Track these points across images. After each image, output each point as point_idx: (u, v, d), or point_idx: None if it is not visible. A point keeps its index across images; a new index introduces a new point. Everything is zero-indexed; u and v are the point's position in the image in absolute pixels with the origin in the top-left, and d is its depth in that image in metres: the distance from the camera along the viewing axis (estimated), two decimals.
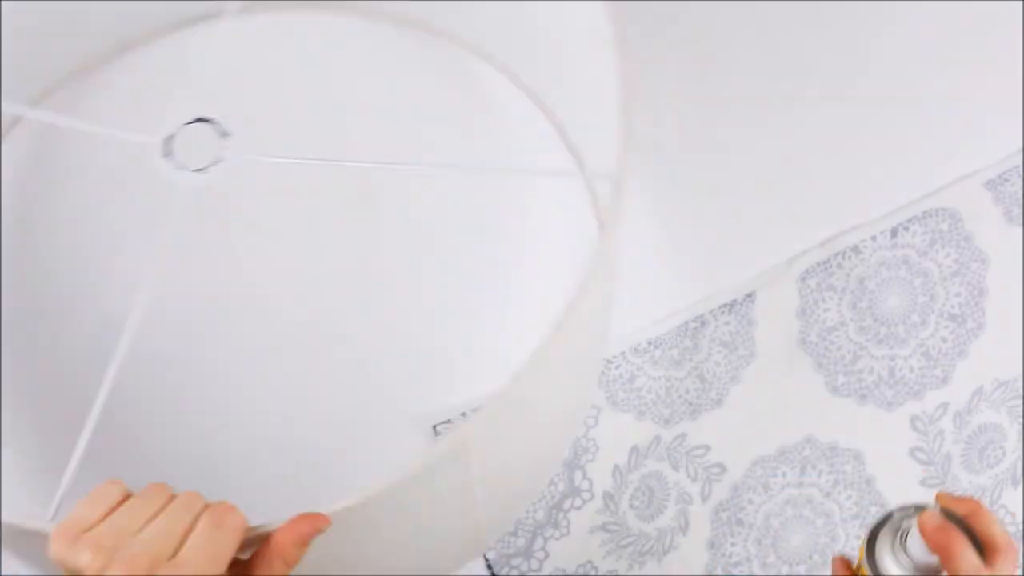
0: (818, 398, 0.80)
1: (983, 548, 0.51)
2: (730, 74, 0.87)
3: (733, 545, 0.79)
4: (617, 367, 0.79)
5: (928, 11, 0.88)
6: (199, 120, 0.65)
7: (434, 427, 0.78)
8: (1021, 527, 0.79)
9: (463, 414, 0.78)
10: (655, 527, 0.78)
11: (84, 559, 0.44)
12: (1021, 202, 0.84)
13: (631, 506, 0.78)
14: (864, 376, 0.81)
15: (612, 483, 0.78)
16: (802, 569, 0.79)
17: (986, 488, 0.80)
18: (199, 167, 0.64)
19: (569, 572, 0.77)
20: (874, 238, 0.82)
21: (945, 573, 0.52)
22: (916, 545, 0.52)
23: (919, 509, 0.54)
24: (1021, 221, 0.83)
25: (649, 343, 0.80)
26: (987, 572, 0.50)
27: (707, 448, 0.79)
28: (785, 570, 0.79)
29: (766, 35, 0.88)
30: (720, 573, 0.78)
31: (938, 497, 0.54)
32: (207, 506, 0.48)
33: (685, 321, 0.81)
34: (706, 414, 0.80)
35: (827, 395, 0.80)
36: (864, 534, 0.55)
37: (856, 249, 0.82)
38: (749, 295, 0.81)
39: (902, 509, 0.55)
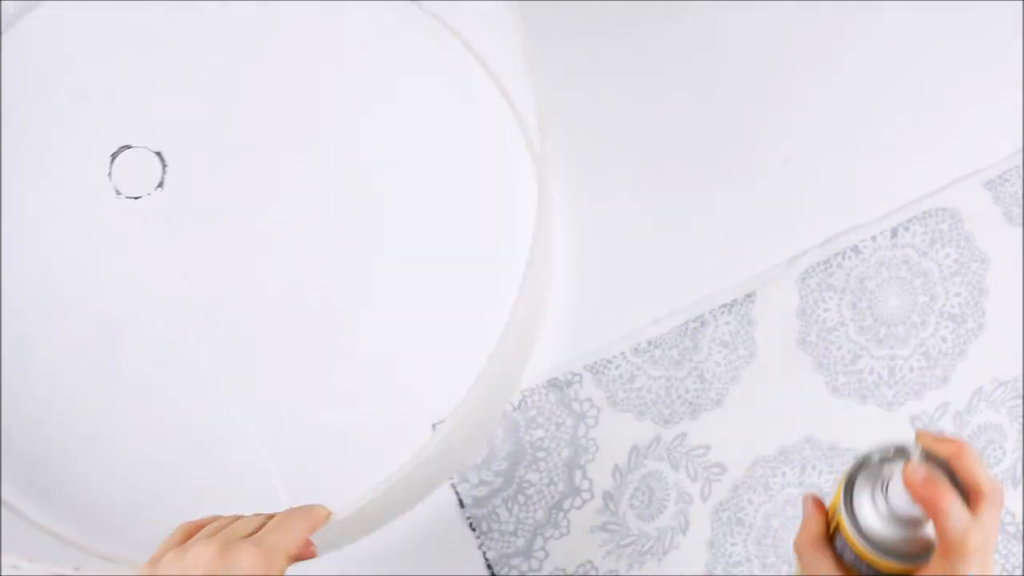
0: (818, 398, 0.80)
1: (966, 492, 0.48)
2: (729, 74, 0.87)
3: (733, 545, 0.79)
4: (617, 367, 0.79)
5: (928, 11, 0.88)
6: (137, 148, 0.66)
7: (433, 426, 0.78)
8: (1021, 527, 0.79)
9: None
10: (655, 527, 0.78)
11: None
12: (1021, 202, 0.84)
13: (631, 506, 0.78)
14: (864, 376, 0.81)
15: (612, 483, 0.78)
16: None
17: None
18: (136, 196, 0.65)
19: (569, 572, 0.77)
20: (874, 238, 0.82)
21: (930, 523, 0.48)
22: (899, 495, 0.48)
23: (900, 451, 0.50)
24: (1021, 221, 0.83)
25: (649, 343, 0.80)
26: (975, 525, 0.47)
27: (707, 448, 0.79)
28: (785, 570, 0.79)
29: (766, 35, 0.88)
30: (720, 573, 0.78)
31: (919, 436, 0.50)
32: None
33: (685, 321, 0.81)
34: (706, 414, 0.80)
35: (827, 395, 0.80)
36: (841, 478, 0.51)
37: (856, 249, 0.82)
38: (749, 295, 0.81)
39: (881, 451, 0.50)
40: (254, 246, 0.82)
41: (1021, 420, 0.81)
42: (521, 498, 0.78)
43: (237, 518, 0.55)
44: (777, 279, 0.82)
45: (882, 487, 0.49)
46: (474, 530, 0.77)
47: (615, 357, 0.80)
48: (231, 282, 0.81)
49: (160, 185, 0.66)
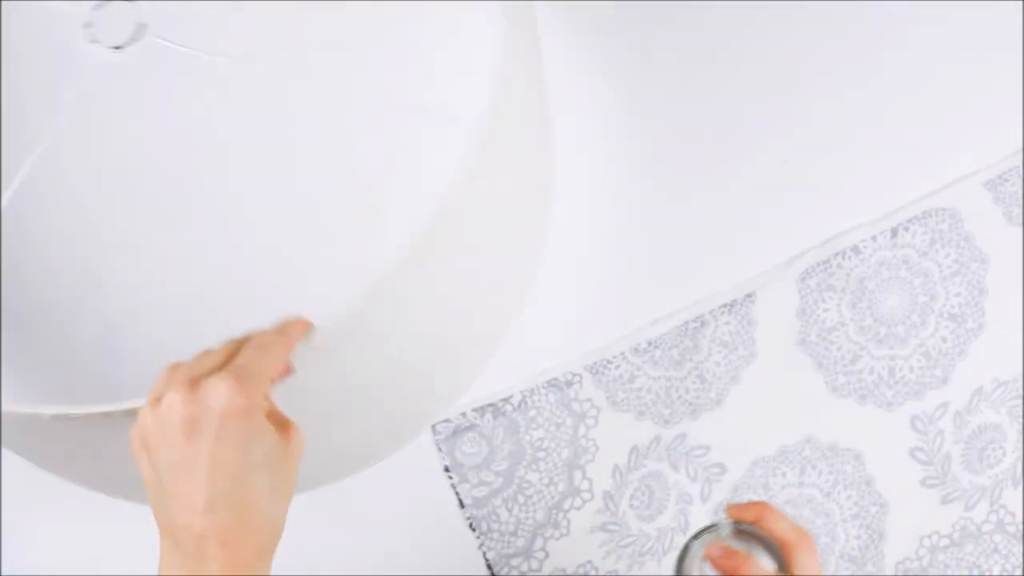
0: (818, 398, 0.80)
1: (780, 545, 0.54)
2: (730, 75, 0.87)
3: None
4: (617, 367, 0.79)
5: (928, 11, 0.88)
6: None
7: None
8: (1021, 527, 0.79)
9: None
10: (655, 527, 0.78)
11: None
12: (1021, 202, 0.84)
13: (631, 506, 0.78)
14: (864, 376, 0.80)
15: (612, 483, 0.78)
16: None
17: (986, 488, 0.80)
18: (117, 44, 0.63)
19: (569, 572, 0.77)
20: (874, 238, 0.82)
21: None
22: (712, 571, 0.55)
23: (712, 528, 0.56)
24: (1021, 221, 0.83)
25: (649, 343, 0.80)
26: (792, 569, 0.52)
27: (707, 448, 0.79)
28: None
29: (766, 35, 0.88)
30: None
31: (728, 510, 0.56)
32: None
33: (685, 321, 0.81)
34: (706, 414, 0.80)
35: (827, 395, 0.80)
36: (675, 562, 0.57)
37: (856, 249, 0.82)
38: (749, 295, 0.81)
39: (698, 533, 0.57)
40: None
41: (1021, 420, 0.81)
42: (521, 498, 0.78)
43: (207, 353, 0.49)
44: (777, 279, 0.82)
45: (702, 565, 0.56)
46: (474, 530, 0.77)
47: (615, 357, 0.80)
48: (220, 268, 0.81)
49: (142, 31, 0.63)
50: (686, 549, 0.56)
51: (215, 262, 0.77)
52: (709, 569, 0.55)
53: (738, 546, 0.55)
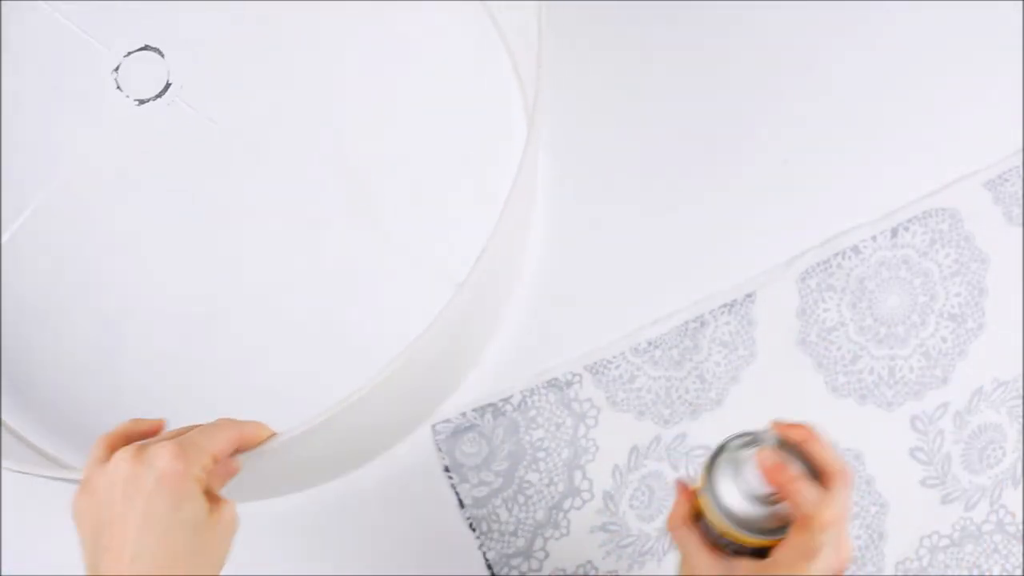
0: (818, 398, 0.80)
1: (819, 473, 0.52)
2: (729, 74, 0.87)
3: None
4: (617, 367, 0.80)
5: (927, 11, 0.88)
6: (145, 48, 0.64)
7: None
8: (1021, 527, 0.79)
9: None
10: (655, 527, 0.78)
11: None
12: (1021, 202, 0.84)
13: (631, 506, 0.78)
14: (864, 376, 0.81)
15: (612, 483, 0.78)
16: None
17: (986, 488, 0.80)
18: (141, 99, 0.64)
19: (569, 572, 0.77)
20: (874, 238, 0.82)
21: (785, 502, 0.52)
22: (755, 478, 0.52)
23: (755, 438, 0.54)
24: (1021, 221, 0.83)
25: (649, 343, 0.80)
26: (826, 500, 0.51)
27: (707, 448, 0.79)
28: None
29: (766, 35, 0.88)
30: None
31: (773, 425, 0.54)
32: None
33: (685, 321, 0.81)
34: (706, 414, 0.80)
35: (827, 395, 0.80)
36: (705, 462, 0.55)
37: (856, 249, 0.82)
38: (749, 295, 0.81)
39: (738, 437, 0.54)
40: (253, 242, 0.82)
41: (1021, 420, 0.81)
42: (521, 498, 0.78)
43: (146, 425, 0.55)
44: (777, 279, 0.82)
45: (740, 470, 0.53)
46: (474, 530, 0.77)
47: (615, 357, 0.80)
48: (230, 278, 0.81)
49: (166, 88, 0.64)
50: (723, 450, 0.54)
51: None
52: (751, 475, 0.52)
53: None
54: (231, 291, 0.81)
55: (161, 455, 0.50)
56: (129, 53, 0.67)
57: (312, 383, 0.79)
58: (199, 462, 0.51)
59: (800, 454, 0.53)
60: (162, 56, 0.68)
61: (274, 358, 0.80)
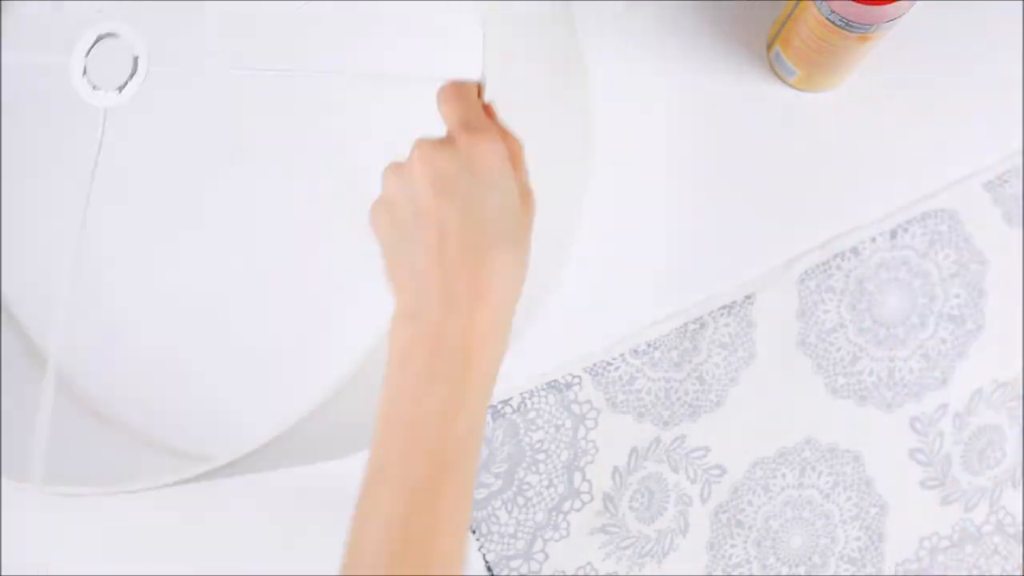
0: (818, 399, 0.80)
1: None
2: (729, 73, 0.87)
3: (733, 547, 0.79)
4: (616, 369, 0.80)
5: (927, 10, 0.88)
6: (107, 36, 0.63)
7: None
8: (1021, 528, 0.79)
9: None
10: (655, 529, 0.78)
11: None
12: (1021, 203, 0.83)
13: (631, 508, 0.78)
14: (864, 377, 0.80)
15: (612, 485, 0.78)
16: (802, 570, 0.79)
17: (986, 489, 0.80)
18: (119, 85, 0.63)
19: (569, 574, 0.77)
20: (873, 239, 0.82)
21: None
22: None
23: None
24: (1021, 222, 0.83)
25: (648, 345, 0.80)
26: None
27: (707, 450, 0.79)
28: (785, 571, 0.79)
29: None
30: (720, 575, 0.78)
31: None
32: None
33: (684, 323, 0.81)
34: (706, 416, 0.80)
35: (827, 396, 0.80)
36: None
37: (855, 250, 0.82)
38: (748, 297, 0.81)
39: None
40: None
41: (1021, 421, 0.81)
42: (520, 500, 0.78)
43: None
44: (776, 281, 0.82)
45: None
46: (473, 532, 0.77)
47: (614, 359, 0.80)
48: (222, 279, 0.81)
49: (136, 64, 0.63)
50: None
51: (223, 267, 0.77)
52: None
53: None
54: (230, 289, 0.81)
55: (494, 147, 0.52)
56: (88, 51, 0.65)
57: (312, 383, 0.79)
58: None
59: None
60: (117, 36, 0.66)
61: (274, 358, 0.80)
